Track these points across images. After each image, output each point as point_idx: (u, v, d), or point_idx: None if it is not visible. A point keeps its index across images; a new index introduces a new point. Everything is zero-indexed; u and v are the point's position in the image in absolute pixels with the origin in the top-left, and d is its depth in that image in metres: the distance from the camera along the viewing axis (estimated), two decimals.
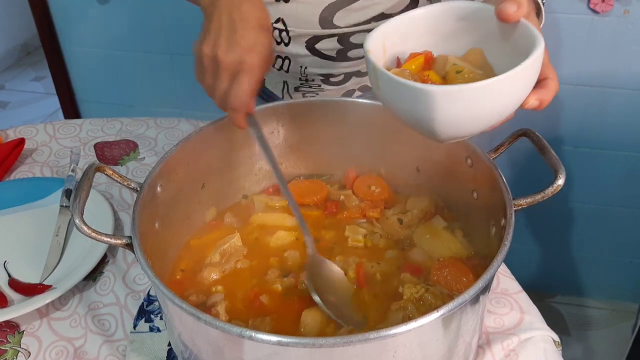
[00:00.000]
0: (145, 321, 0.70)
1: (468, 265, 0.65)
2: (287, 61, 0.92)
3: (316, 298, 0.59)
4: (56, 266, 0.77)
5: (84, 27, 1.71)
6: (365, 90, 0.97)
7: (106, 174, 0.61)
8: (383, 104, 0.56)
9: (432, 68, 0.58)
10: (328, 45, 0.88)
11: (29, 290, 0.73)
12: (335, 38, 0.87)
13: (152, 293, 0.74)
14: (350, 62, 0.91)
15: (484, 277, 0.50)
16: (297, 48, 0.89)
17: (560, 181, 0.57)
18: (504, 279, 0.74)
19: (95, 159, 0.97)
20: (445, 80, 0.56)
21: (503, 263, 0.76)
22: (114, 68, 1.80)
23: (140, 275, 0.77)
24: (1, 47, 3.28)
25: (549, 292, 1.80)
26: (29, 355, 0.68)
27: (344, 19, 0.85)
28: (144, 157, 0.98)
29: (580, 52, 1.38)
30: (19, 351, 0.68)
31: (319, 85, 0.95)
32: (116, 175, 0.61)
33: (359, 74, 0.93)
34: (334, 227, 0.74)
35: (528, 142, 0.64)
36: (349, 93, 0.96)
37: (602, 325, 1.69)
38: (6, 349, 0.68)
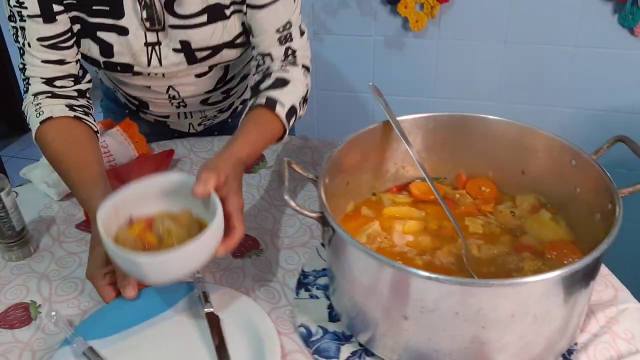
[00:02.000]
0: (305, 291, 0.86)
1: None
2: (189, 115, 1.24)
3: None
4: None
5: None
6: (244, 103, 1.32)
7: (293, 167, 0.78)
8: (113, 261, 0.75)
9: (153, 228, 0.76)
10: (218, 97, 1.21)
11: None
12: (220, 91, 1.19)
13: (305, 269, 0.90)
14: (232, 95, 1.25)
15: (603, 244, 0.65)
16: (194, 106, 1.21)
17: None
18: None
19: None
20: (161, 240, 0.75)
21: None
22: None
23: (290, 257, 0.93)
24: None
25: None
26: None
27: None
28: (272, 165, 1.16)
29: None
30: None
31: (215, 116, 1.29)
32: (299, 168, 0.78)
33: (237, 95, 1.29)
34: None
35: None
36: (235, 109, 1.32)
37: None
38: None
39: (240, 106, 1.32)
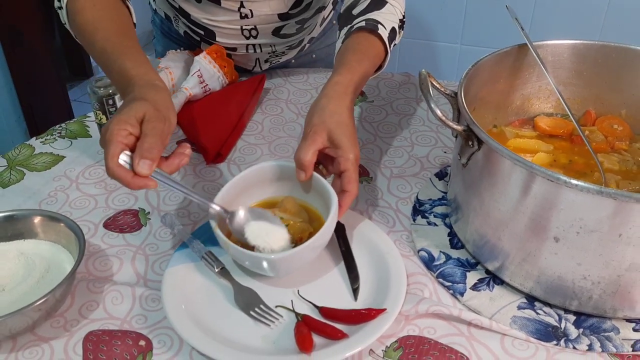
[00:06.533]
0: (422, 217, 0.82)
1: None
2: (258, 48, 1.13)
3: None
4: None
5: None
6: (313, 42, 1.24)
7: (431, 81, 0.72)
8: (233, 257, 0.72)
9: None
10: (291, 29, 1.10)
11: (362, 317, 0.66)
12: (294, 21, 1.09)
13: (420, 197, 0.86)
14: (306, 29, 1.15)
15: None
16: (266, 37, 1.11)
17: None
18: None
19: None
20: None
21: None
22: None
23: (401, 186, 0.89)
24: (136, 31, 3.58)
25: None
26: None
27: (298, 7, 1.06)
28: (373, 100, 1.12)
29: None
30: None
31: (283, 52, 1.19)
32: (435, 81, 0.73)
33: (309, 30, 1.18)
34: (583, 155, 0.83)
35: None
36: (303, 47, 1.22)
37: None
38: None
39: (307, 45, 1.23)
